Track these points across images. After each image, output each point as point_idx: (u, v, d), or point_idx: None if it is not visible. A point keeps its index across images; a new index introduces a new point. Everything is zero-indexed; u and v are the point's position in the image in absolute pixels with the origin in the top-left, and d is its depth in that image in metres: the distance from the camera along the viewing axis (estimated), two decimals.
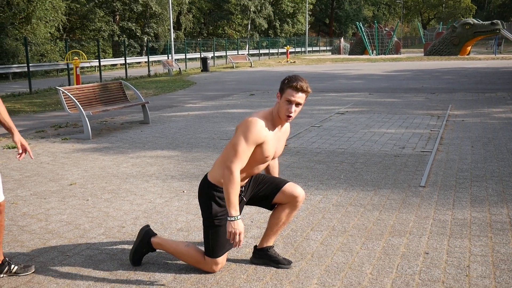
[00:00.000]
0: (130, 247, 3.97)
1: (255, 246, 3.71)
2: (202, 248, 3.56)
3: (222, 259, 3.46)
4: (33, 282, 3.41)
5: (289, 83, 3.18)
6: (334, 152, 7.24)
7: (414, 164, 6.43)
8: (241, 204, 3.49)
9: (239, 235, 3.12)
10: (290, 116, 3.19)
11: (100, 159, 7.19)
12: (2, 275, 3.46)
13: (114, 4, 42.14)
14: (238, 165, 3.16)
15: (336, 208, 4.84)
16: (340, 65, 33.93)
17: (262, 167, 3.42)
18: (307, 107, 12.36)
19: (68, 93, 8.95)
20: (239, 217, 3.14)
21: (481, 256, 3.67)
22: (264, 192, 3.54)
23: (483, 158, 6.64)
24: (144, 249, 3.61)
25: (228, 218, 3.13)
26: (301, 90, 3.16)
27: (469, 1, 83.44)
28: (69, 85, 20.48)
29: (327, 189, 5.46)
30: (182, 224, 4.49)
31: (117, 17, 43.72)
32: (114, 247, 4.01)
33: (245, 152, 3.18)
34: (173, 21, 40.88)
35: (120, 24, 43.03)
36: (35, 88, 19.45)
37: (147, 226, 3.71)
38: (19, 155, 3.45)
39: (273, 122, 3.30)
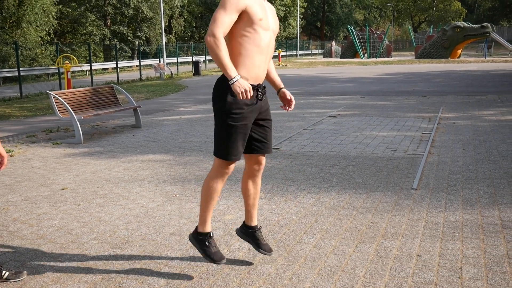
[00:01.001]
0: (123, 251, 3.95)
1: (244, 221, 3.73)
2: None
3: (232, 165, 3.37)
4: None
5: None
6: (326, 155, 7.25)
7: (406, 167, 6.45)
8: (261, 103, 3.34)
9: (248, 91, 3.03)
10: None
11: (91, 163, 7.16)
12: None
13: (105, 8, 42.07)
14: (220, 30, 3.02)
15: (329, 211, 4.84)
16: (331, 68, 34.03)
17: (268, 46, 3.23)
18: (299, 110, 12.37)
19: (59, 97, 8.90)
20: (239, 76, 3.05)
21: (473, 258, 3.69)
22: (255, 137, 3.44)
23: (474, 161, 6.68)
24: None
25: (230, 81, 3.03)
26: None
27: (459, 4, 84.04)
28: (60, 89, 20.39)
29: (319, 192, 5.47)
30: (174, 229, 4.47)
31: (109, 21, 43.62)
32: (106, 252, 3.98)
33: (224, 18, 3.04)
34: (164, 25, 40.85)
35: (112, 28, 42.94)
36: (25, 93, 19.34)
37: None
38: None
39: None
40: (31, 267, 3.71)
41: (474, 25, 41.28)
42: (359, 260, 3.71)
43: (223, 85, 3.22)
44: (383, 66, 33.89)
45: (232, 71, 3.03)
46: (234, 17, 3.08)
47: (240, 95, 3.02)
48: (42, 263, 3.79)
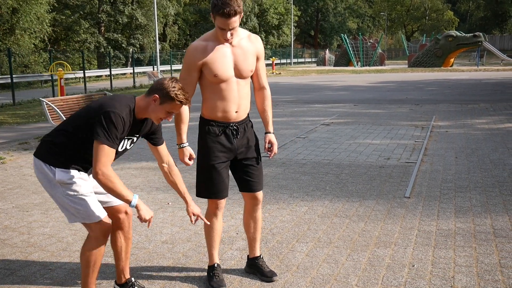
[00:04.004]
0: (113, 260, 3.92)
1: (248, 256, 3.71)
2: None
3: (220, 202, 3.44)
4: None
5: (216, 9, 3.06)
6: (319, 163, 7.25)
7: (399, 175, 6.46)
8: (238, 142, 3.37)
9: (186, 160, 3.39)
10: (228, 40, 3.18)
11: None
12: None
13: (99, 15, 42.03)
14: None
15: (322, 219, 4.84)
16: (325, 76, 34.14)
17: (231, 91, 3.27)
18: (292, 118, 12.39)
19: (51, 105, 8.87)
20: (183, 145, 3.38)
21: (466, 266, 3.69)
22: (241, 176, 3.46)
23: (466, 169, 6.70)
24: None
25: (178, 146, 3.38)
26: (230, 15, 3.03)
27: (452, 14, 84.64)
28: (53, 96, 20.32)
29: (312, 200, 5.46)
30: (166, 237, 4.45)
31: (103, 28, 43.58)
32: None
33: (185, 79, 3.26)
34: (158, 33, 40.85)
35: (106, 36, 42.89)
36: (18, 100, 19.26)
37: None
38: None
39: (218, 40, 3.22)
40: (21, 275, 3.67)
41: (466, 34, 41.55)
42: (352, 268, 3.70)
43: (199, 127, 3.41)
44: (376, 75, 34.03)
45: (180, 139, 3.38)
46: (193, 74, 3.26)
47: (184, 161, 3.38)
48: (32, 271, 3.75)
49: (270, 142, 3.53)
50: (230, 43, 3.23)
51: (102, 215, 3.00)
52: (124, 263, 3.31)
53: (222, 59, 3.22)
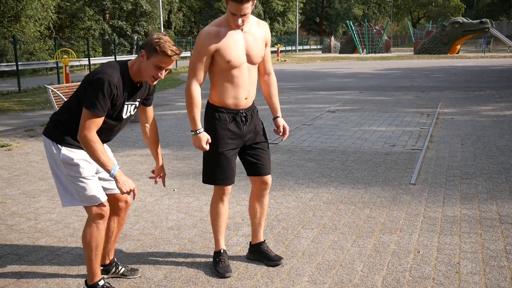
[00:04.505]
0: (121, 245, 3.95)
1: (250, 242, 3.71)
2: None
3: (226, 188, 3.43)
4: (21, 281, 3.38)
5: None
6: (324, 150, 7.24)
7: (404, 162, 6.45)
8: (247, 129, 3.38)
9: (203, 146, 3.27)
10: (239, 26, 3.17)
11: None
12: (108, 276, 3.37)
13: (104, 2, 41.88)
14: (193, 79, 3.24)
15: (327, 205, 4.84)
16: (330, 63, 34.00)
17: (243, 78, 3.29)
18: (298, 105, 12.36)
19: (57, 92, 8.89)
20: (199, 131, 3.26)
21: (471, 253, 3.69)
22: (250, 161, 3.47)
23: (472, 156, 6.68)
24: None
25: (191, 132, 3.29)
26: (242, 1, 3.01)
27: (458, 0, 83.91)
28: (59, 83, 20.34)
29: (318, 187, 5.47)
30: (172, 223, 4.47)
31: (107, 15, 43.47)
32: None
33: (196, 65, 3.22)
34: (163, 20, 40.76)
35: (110, 23, 42.79)
36: (24, 87, 19.29)
37: None
38: None
39: (230, 26, 3.22)
40: (29, 260, 3.71)
41: (473, 21, 41.21)
42: (357, 254, 3.71)
43: (207, 113, 3.40)
44: (382, 62, 33.87)
45: (195, 125, 3.26)
46: (204, 60, 3.21)
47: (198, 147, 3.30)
48: (40, 256, 3.79)
49: (282, 126, 3.54)
50: (242, 30, 3.22)
51: (103, 198, 3.02)
52: (111, 245, 3.36)
53: (234, 45, 3.21)
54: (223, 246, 3.57)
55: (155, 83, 3.01)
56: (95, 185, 3.01)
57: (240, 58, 3.23)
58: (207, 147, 3.28)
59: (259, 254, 3.64)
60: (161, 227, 4.39)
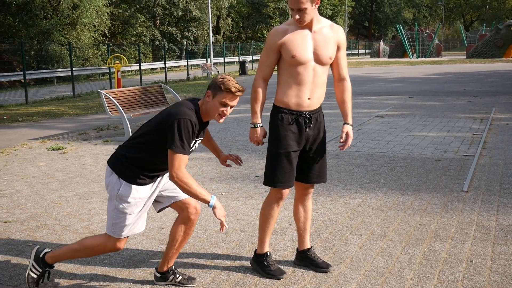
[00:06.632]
0: (138, 256, 4.01)
1: (297, 249, 3.71)
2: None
3: (284, 191, 3.44)
4: (74, 281, 3.49)
5: None
6: (373, 156, 7.15)
7: (456, 169, 6.28)
8: (309, 132, 3.39)
9: (258, 140, 3.41)
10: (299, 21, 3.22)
11: None
12: (166, 283, 3.43)
13: (155, 9, 42.80)
14: (259, 74, 3.37)
15: (376, 212, 4.78)
16: (379, 68, 33.53)
17: (307, 76, 3.28)
18: None
19: (110, 96, 9.13)
20: (259, 124, 3.38)
21: None
22: (302, 166, 3.46)
23: None
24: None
25: (250, 125, 3.41)
26: None
27: None
28: (111, 88, 20.90)
29: (366, 193, 5.40)
30: (219, 226, 4.50)
31: (158, 21, 44.38)
32: (154, 247, 4.06)
33: (263, 60, 3.35)
34: (212, 25, 41.23)
35: (161, 29, 43.66)
36: (78, 92, 19.94)
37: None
38: None
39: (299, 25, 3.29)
40: (82, 260, 3.82)
41: None
42: (407, 262, 3.64)
43: (271, 116, 3.42)
44: (433, 66, 33.13)
45: (256, 118, 3.38)
46: (272, 56, 3.31)
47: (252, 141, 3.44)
48: (92, 257, 3.89)
49: (347, 134, 3.49)
50: (309, 28, 3.26)
51: (123, 235, 3.13)
52: (174, 253, 3.37)
53: (301, 40, 3.25)
54: (268, 248, 3.58)
55: (221, 120, 3.11)
56: (129, 221, 3.11)
57: (305, 55, 3.25)
58: (262, 140, 3.38)
59: (306, 260, 3.62)
60: (209, 230, 4.43)
